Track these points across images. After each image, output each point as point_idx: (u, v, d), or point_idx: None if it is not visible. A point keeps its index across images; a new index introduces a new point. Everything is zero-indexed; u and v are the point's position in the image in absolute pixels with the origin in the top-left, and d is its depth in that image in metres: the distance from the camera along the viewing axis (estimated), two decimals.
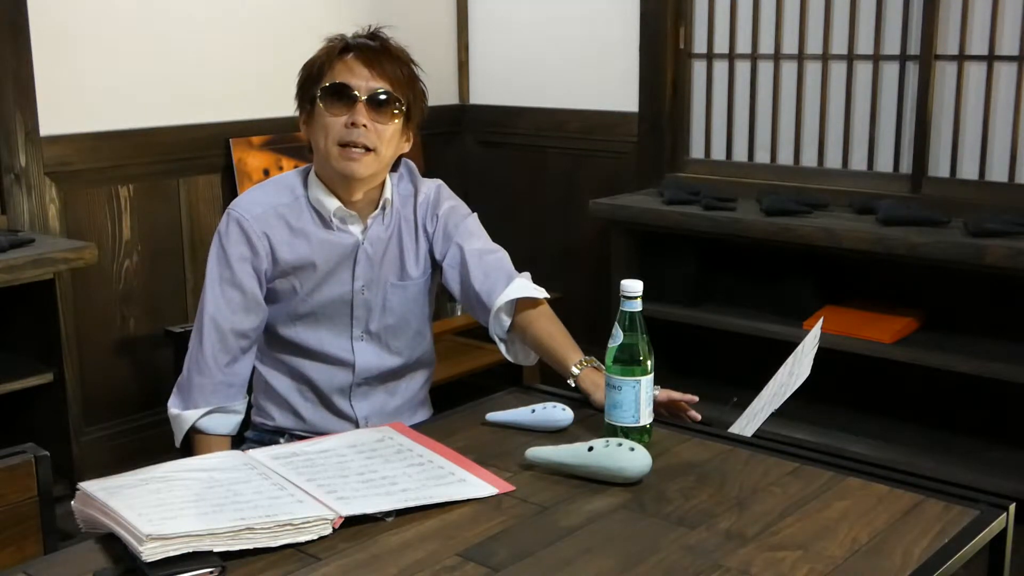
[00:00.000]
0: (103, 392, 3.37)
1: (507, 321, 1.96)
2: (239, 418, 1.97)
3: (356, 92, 1.86)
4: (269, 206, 1.94)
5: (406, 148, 1.97)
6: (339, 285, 1.96)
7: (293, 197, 1.95)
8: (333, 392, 2.01)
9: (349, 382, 2.01)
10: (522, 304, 1.95)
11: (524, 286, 1.96)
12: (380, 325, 2.00)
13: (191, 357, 1.94)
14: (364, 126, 1.86)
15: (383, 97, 1.87)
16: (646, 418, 1.66)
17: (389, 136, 1.89)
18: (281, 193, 1.96)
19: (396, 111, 1.89)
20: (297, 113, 1.97)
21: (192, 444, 1.94)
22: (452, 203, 2.04)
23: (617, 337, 1.64)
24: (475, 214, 2.06)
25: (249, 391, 2.04)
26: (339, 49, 1.90)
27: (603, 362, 1.71)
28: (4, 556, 1.51)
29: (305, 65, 1.95)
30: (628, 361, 1.63)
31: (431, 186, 2.04)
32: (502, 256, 2.01)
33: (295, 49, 2.04)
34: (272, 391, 2.03)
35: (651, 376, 1.66)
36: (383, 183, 1.97)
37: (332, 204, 1.93)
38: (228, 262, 1.92)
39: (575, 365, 1.85)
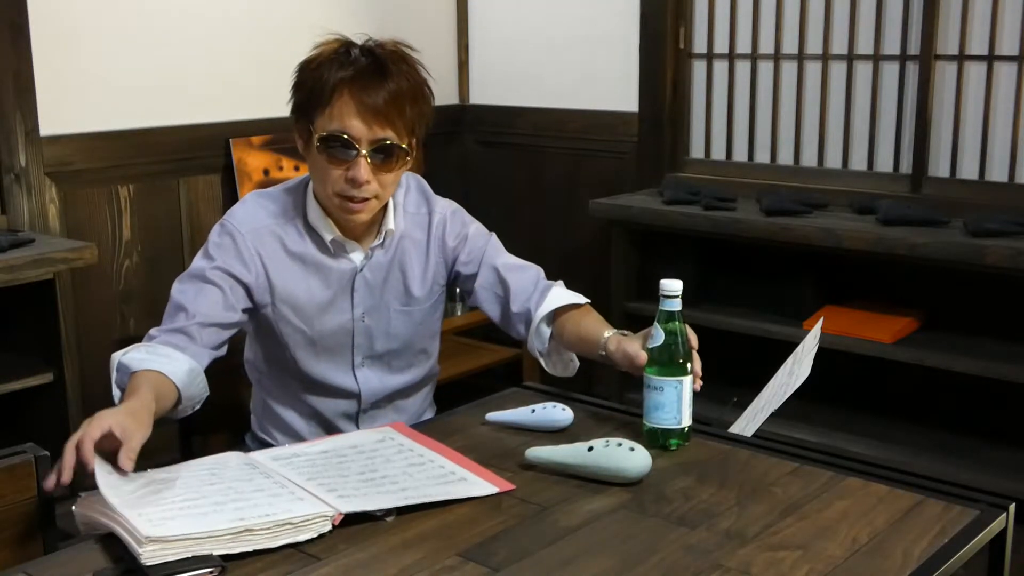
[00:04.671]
0: (103, 392, 3.32)
1: (547, 332, 1.91)
2: (170, 362, 1.69)
3: (357, 145, 1.74)
4: (264, 223, 1.85)
5: (409, 167, 1.86)
6: (338, 314, 1.89)
7: (290, 216, 1.86)
8: (339, 419, 1.96)
9: (355, 410, 1.96)
10: (560, 311, 1.91)
11: (563, 295, 1.92)
12: (384, 348, 1.94)
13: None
14: (367, 182, 1.75)
15: (386, 147, 1.76)
16: (687, 419, 1.65)
17: (391, 180, 1.81)
18: (277, 210, 1.86)
19: (399, 158, 1.79)
20: (292, 121, 1.84)
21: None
22: (476, 225, 1.99)
23: (657, 338, 1.63)
24: (494, 233, 2.02)
25: (247, 395, 2.04)
26: (337, 77, 1.74)
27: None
28: (4, 556, 1.51)
29: (300, 78, 1.80)
30: (669, 362, 1.62)
31: (447, 208, 1.97)
32: (538, 271, 1.98)
33: (295, 49, 2.03)
34: (272, 413, 1.98)
35: (691, 377, 1.65)
36: (385, 206, 1.87)
37: (328, 235, 1.84)
38: (209, 268, 1.80)
39: (605, 333, 1.78)
